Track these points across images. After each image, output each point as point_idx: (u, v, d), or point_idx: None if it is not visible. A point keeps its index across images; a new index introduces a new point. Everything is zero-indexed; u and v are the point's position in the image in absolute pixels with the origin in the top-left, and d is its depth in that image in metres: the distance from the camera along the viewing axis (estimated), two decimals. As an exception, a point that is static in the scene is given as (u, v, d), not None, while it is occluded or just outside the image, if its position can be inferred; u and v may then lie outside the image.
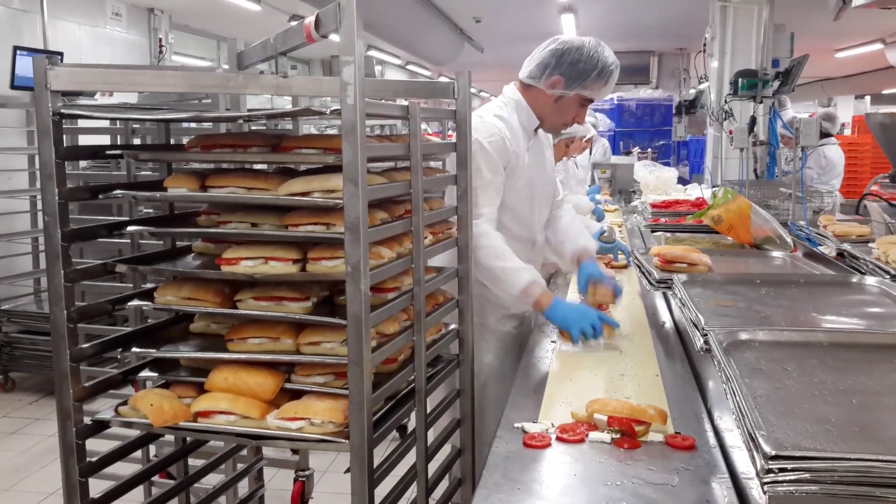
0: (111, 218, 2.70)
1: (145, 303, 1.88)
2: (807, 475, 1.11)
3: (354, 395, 1.57)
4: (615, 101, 12.19)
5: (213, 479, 2.40)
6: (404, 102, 1.91)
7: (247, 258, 1.79)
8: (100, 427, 1.81)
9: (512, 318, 2.82)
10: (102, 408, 1.86)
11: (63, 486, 1.79)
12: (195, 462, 2.29)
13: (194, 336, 2.02)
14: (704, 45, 7.88)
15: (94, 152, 1.78)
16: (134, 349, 1.86)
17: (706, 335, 1.86)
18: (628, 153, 9.47)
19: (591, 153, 9.50)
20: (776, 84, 6.45)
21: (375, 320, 1.68)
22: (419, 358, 1.91)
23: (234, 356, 1.78)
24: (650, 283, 2.78)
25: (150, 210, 3.06)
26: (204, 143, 1.79)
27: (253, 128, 2.33)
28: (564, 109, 2.62)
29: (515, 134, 2.60)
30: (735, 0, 7.31)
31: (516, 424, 1.79)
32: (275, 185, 1.76)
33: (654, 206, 5.31)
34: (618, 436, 1.71)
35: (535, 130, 2.72)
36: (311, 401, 1.73)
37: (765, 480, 1.14)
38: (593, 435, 1.71)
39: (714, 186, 7.15)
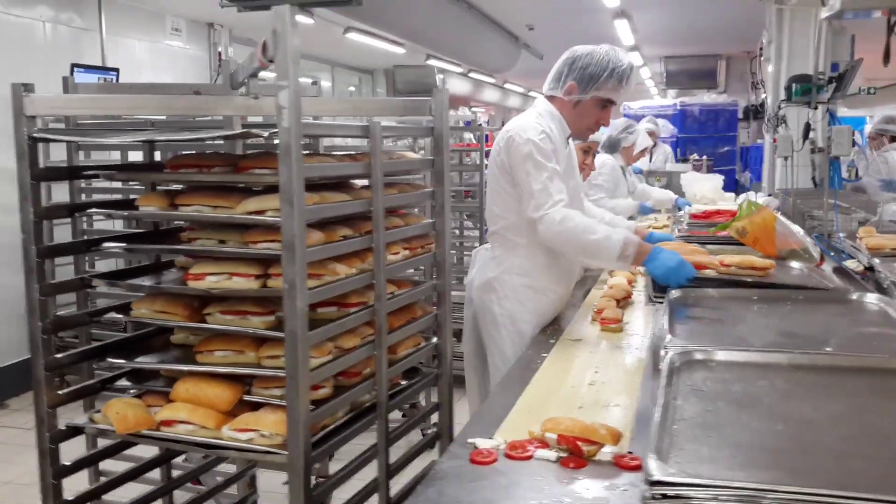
0: (124, 230, 2.82)
1: (121, 315, 1.97)
2: (682, 501, 1.11)
3: (291, 408, 1.62)
4: (678, 107, 11.99)
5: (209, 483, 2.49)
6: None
7: (212, 274, 1.86)
8: (74, 432, 1.91)
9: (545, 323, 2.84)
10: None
11: (40, 487, 1.90)
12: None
13: (174, 347, 2.10)
14: (761, 49, 7.69)
15: (71, 172, 1.88)
16: (109, 359, 1.95)
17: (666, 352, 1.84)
18: (685, 160, 9.29)
19: (650, 160, 9.38)
20: (831, 89, 6.23)
21: (321, 336, 1.73)
22: (380, 372, 1.95)
23: (193, 368, 1.86)
24: (649, 298, 2.76)
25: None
26: (172, 163, 1.87)
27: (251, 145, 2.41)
28: (584, 113, 2.74)
29: (555, 140, 2.69)
30: (791, 2, 7.10)
31: (470, 440, 1.81)
32: (237, 203, 1.83)
33: (693, 216, 5.19)
34: (565, 454, 1.72)
35: (568, 139, 2.82)
36: (263, 413, 1.79)
37: (647, 506, 1.14)
38: (540, 453, 1.72)
39: (769, 195, 6.98)
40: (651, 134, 9.30)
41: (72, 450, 2.00)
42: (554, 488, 1.57)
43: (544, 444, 1.76)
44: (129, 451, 2.14)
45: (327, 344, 1.85)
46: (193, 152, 2.00)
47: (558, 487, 1.57)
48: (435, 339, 2.27)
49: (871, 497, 1.06)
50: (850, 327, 2.18)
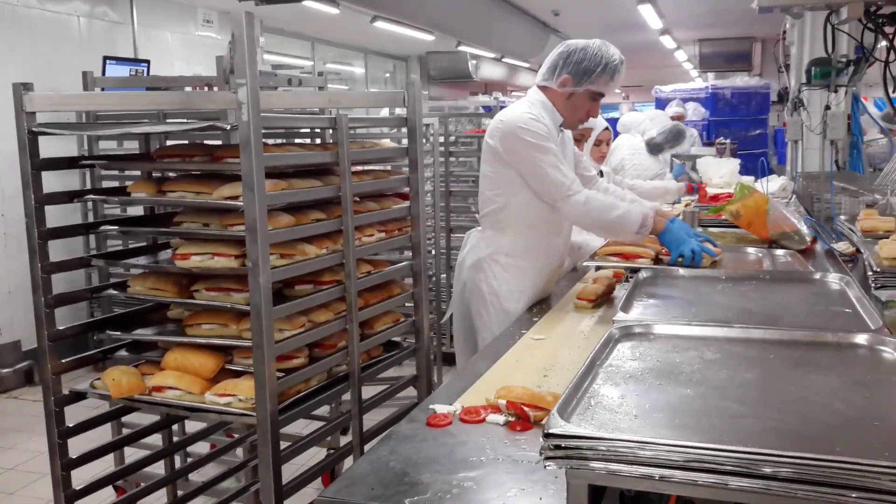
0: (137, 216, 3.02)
1: (118, 292, 2.17)
2: (572, 451, 1.25)
3: (258, 375, 1.79)
4: (709, 90, 11.93)
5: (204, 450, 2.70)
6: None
7: (196, 254, 2.05)
8: (77, 397, 2.12)
9: (530, 301, 2.99)
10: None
11: (48, 446, 2.11)
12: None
13: (170, 321, 2.30)
14: (784, 32, 7.65)
15: (70, 162, 2.08)
16: (108, 331, 2.15)
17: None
18: (711, 144, 9.26)
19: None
20: (850, 72, 6.20)
21: (285, 311, 1.90)
22: (352, 345, 2.12)
23: (181, 339, 2.05)
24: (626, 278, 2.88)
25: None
26: (159, 153, 2.06)
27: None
28: (577, 105, 2.90)
29: (548, 127, 2.83)
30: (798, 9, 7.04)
31: (431, 406, 1.97)
32: (216, 189, 2.01)
33: (702, 200, 5.27)
34: (514, 419, 1.87)
35: (560, 127, 2.95)
36: (241, 380, 1.97)
37: (544, 455, 1.29)
38: (491, 417, 1.88)
39: (791, 178, 6.96)
40: (679, 117, 9.32)
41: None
42: (496, 448, 1.73)
43: (498, 409, 1.92)
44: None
45: (300, 318, 2.02)
46: (177, 143, 2.18)
47: (500, 448, 1.73)
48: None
49: (726, 448, 1.19)
50: (804, 305, 2.28)
